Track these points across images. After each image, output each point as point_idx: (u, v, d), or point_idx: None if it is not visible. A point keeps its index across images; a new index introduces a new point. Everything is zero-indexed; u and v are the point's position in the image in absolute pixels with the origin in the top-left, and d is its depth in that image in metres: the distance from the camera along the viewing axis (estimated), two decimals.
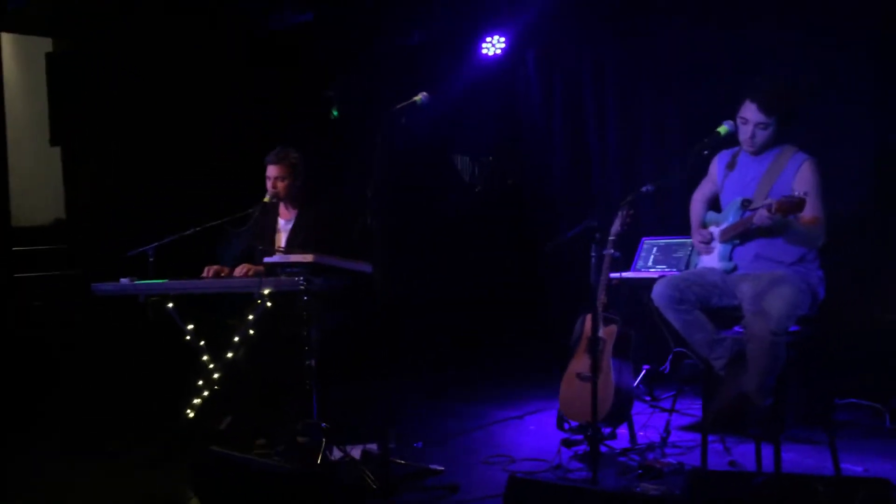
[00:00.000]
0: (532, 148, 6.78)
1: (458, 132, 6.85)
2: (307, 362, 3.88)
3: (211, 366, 4.32)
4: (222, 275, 4.36)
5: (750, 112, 3.63)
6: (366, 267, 3.81)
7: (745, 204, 3.67)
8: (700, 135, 3.79)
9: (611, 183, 6.22)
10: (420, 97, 3.66)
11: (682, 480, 2.97)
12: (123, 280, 4.20)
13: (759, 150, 3.71)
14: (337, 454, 3.83)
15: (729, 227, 3.71)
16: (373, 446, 4.03)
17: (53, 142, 6.06)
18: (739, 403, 3.45)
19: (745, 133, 3.68)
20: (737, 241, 3.70)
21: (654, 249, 5.26)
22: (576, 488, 2.90)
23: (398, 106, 3.61)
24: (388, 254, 3.61)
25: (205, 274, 4.36)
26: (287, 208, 4.58)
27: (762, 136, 3.65)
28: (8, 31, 6.10)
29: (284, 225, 4.58)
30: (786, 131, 3.69)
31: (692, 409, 4.93)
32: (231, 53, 5.89)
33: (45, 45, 6.18)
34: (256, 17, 5.85)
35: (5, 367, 5.08)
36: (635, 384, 4.93)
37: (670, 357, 5.39)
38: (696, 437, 4.30)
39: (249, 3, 5.82)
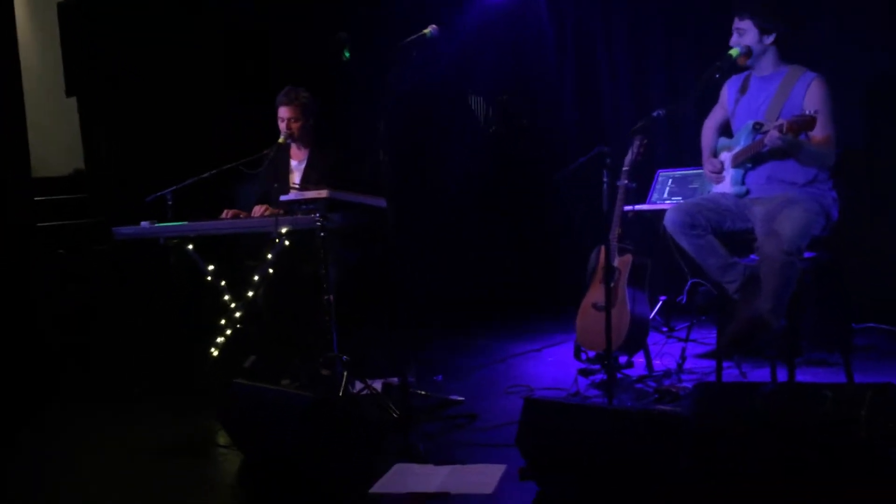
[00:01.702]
0: (544, 86, 6.74)
1: (471, 73, 6.81)
2: (326, 298, 3.93)
3: (233, 305, 4.41)
4: (242, 216, 4.41)
5: (746, 25, 3.65)
6: (380, 201, 3.84)
7: (757, 127, 3.67)
8: (711, 62, 3.78)
9: (622, 115, 6.18)
10: (429, 30, 3.65)
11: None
12: (143, 223, 4.27)
13: (764, 69, 3.71)
14: (358, 386, 3.91)
15: (740, 151, 3.72)
16: (393, 379, 4.11)
17: (69, 92, 6.10)
18: (754, 326, 3.48)
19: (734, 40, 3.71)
20: (749, 165, 3.70)
21: (670, 181, 5.26)
22: (591, 406, 2.96)
23: (408, 39, 3.61)
24: (402, 190, 3.65)
25: (223, 216, 4.42)
26: (299, 148, 4.62)
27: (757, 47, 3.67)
28: None
29: (297, 165, 4.62)
30: (791, 53, 3.69)
31: (708, 338, 4.97)
32: None
33: None
34: None
35: (31, 314, 5.19)
36: (652, 315, 4.96)
37: (686, 287, 5.40)
38: (712, 364, 4.35)
39: None
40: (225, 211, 4.49)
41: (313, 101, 4.56)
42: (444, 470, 3.03)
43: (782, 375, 3.65)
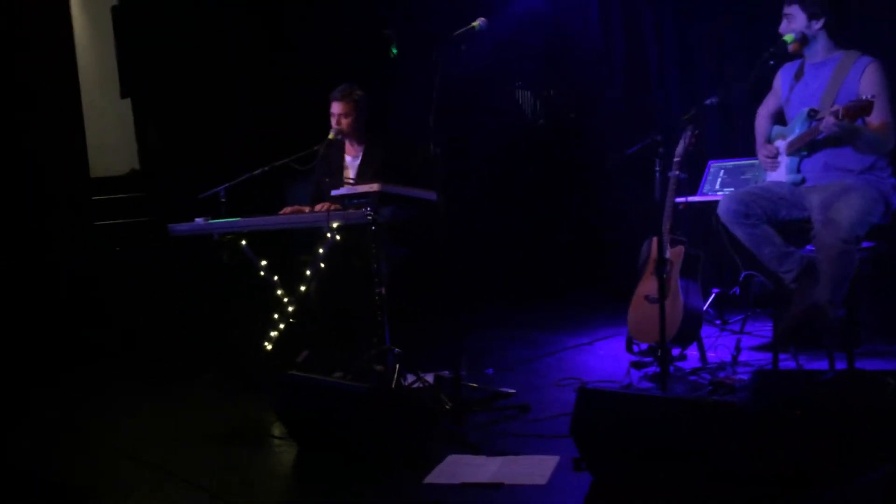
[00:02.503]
0: (592, 80, 6.69)
1: (519, 67, 6.80)
2: (377, 291, 3.96)
3: (286, 300, 4.47)
4: (304, 211, 4.46)
5: (794, 10, 3.61)
6: (430, 195, 3.86)
7: (812, 114, 3.61)
8: (761, 50, 3.73)
9: (672, 107, 6.10)
10: (478, 23, 3.66)
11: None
12: (198, 220, 4.34)
13: (816, 55, 3.66)
14: (411, 379, 3.93)
15: (796, 139, 3.66)
16: (445, 372, 4.12)
17: (124, 94, 6.23)
18: (811, 315, 3.43)
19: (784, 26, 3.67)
20: (804, 153, 3.65)
21: (722, 172, 5.19)
22: (647, 395, 2.94)
23: (456, 32, 3.62)
24: (452, 183, 3.66)
25: (283, 213, 4.48)
26: (352, 145, 4.66)
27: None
28: None
29: (351, 161, 4.66)
30: (843, 37, 3.62)
31: (763, 330, 4.90)
32: None
33: None
34: None
35: (91, 312, 5.32)
36: (705, 308, 4.91)
37: (740, 280, 5.33)
38: (767, 357, 4.28)
39: None
40: (286, 208, 4.55)
41: (366, 98, 4.59)
42: (498, 461, 3.04)
43: (841, 367, 3.58)
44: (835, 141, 3.50)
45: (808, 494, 1.95)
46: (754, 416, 2.26)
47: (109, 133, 6.58)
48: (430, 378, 4.06)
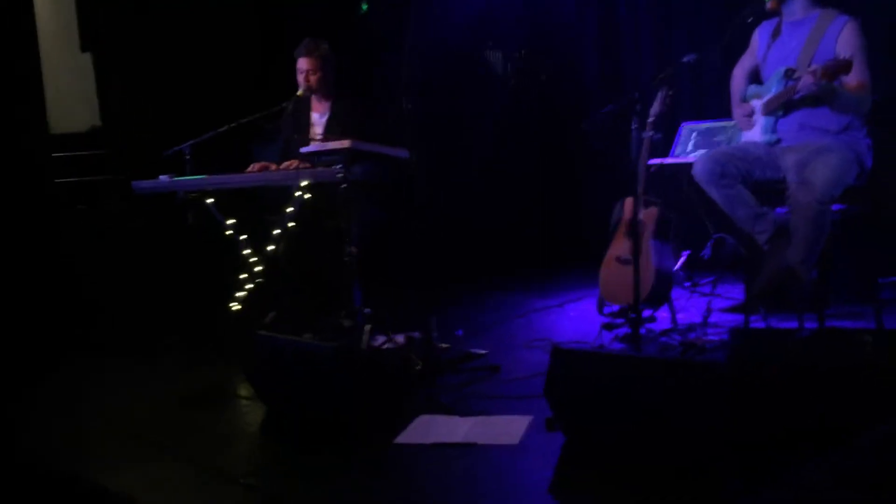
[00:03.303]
0: (564, 40, 6.62)
1: (490, 27, 6.70)
2: (348, 251, 3.89)
3: (253, 260, 4.38)
4: (271, 169, 4.36)
5: None
6: (402, 152, 3.78)
7: (789, 73, 3.58)
8: (738, 7, 3.69)
9: (645, 67, 6.06)
10: None
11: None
12: (162, 177, 4.23)
13: (794, 14, 3.62)
14: (381, 340, 3.88)
15: (772, 98, 3.63)
16: (415, 333, 4.08)
17: (84, 48, 6.04)
18: (784, 277, 3.42)
19: None
20: (780, 113, 3.62)
21: (694, 134, 5.16)
22: (621, 356, 2.92)
23: None
24: (425, 141, 3.59)
25: (250, 170, 4.37)
26: (319, 101, 4.55)
27: None
28: None
29: (318, 118, 4.55)
30: None
31: (732, 292, 4.91)
32: None
33: None
34: None
35: (53, 272, 5.18)
36: (675, 269, 4.90)
37: (710, 242, 5.33)
38: (737, 318, 4.27)
39: None
40: (253, 165, 4.44)
41: (332, 54, 4.48)
42: (469, 421, 3.01)
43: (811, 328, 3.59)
44: (812, 101, 3.48)
45: (792, 455, 1.94)
46: (731, 375, 2.24)
47: (69, 88, 6.38)
48: (400, 339, 4.02)
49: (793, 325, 3.74)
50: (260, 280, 4.37)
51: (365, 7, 5.67)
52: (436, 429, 2.96)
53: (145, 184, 4.26)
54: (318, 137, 4.40)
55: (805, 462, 1.93)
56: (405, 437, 2.91)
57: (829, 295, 3.97)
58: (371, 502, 2.54)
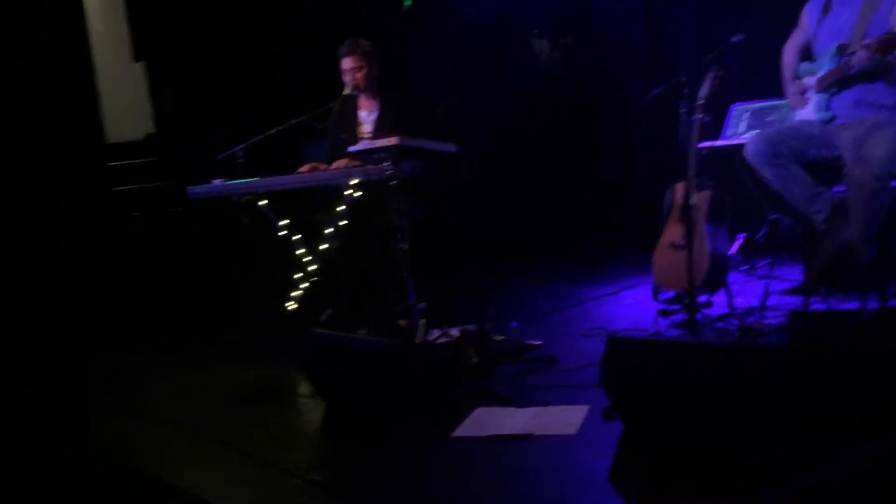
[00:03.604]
0: (609, 25, 6.56)
1: (535, 15, 6.67)
2: (399, 247, 3.92)
3: (307, 259, 4.43)
4: (321, 169, 4.40)
5: None
6: (450, 147, 3.79)
7: (841, 49, 3.50)
8: None
9: (692, 47, 5.96)
10: None
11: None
12: (215, 181, 4.30)
13: None
14: (435, 334, 3.90)
15: (825, 75, 3.55)
16: (471, 326, 4.09)
17: (137, 57, 6.17)
18: (843, 255, 3.35)
19: None
20: (834, 89, 3.54)
21: (746, 115, 5.08)
22: (678, 342, 2.90)
23: None
24: (471, 136, 3.58)
25: (301, 171, 4.42)
26: (367, 99, 4.57)
27: None
28: None
29: (366, 116, 4.58)
30: None
31: (791, 275, 4.81)
32: None
33: None
34: None
35: (113, 275, 5.32)
36: (731, 253, 4.83)
37: (766, 225, 5.24)
38: (796, 300, 4.20)
39: None
40: (304, 166, 4.49)
41: (375, 49, 4.50)
42: (527, 412, 3.01)
43: (873, 307, 3.51)
44: (867, 76, 3.40)
45: (853, 440, 1.91)
46: (790, 358, 2.21)
47: (123, 98, 6.52)
48: (455, 332, 4.03)
49: (854, 305, 3.68)
50: (314, 279, 4.42)
51: (408, 2, 5.69)
52: (493, 421, 2.97)
53: (199, 189, 4.35)
54: (367, 135, 4.43)
55: (848, 446, 1.89)
56: (463, 430, 2.93)
57: (890, 273, 3.88)
58: (432, 497, 2.55)
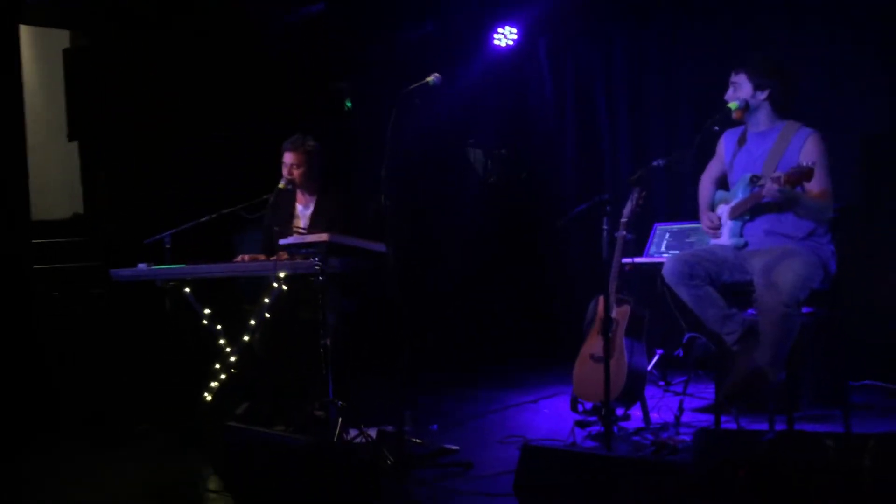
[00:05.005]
0: (544, 139, 6.82)
1: (472, 125, 6.89)
2: (322, 343, 3.91)
3: (228, 350, 4.38)
4: (259, 259, 4.41)
5: (741, 79, 3.71)
6: (380, 246, 3.85)
7: (754, 180, 3.71)
8: (709, 113, 3.85)
9: (620, 167, 6.24)
10: (432, 78, 3.71)
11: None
12: (141, 265, 4.26)
13: (759, 125, 3.77)
14: (353, 433, 3.86)
15: (738, 204, 3.74)
16: (388, 427, 4.06)
17: (71, 137, 6.14)
18: (753, 378, 3.47)
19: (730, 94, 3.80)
20: (746, 217, 3.73)
21: (667, 235, 5.28)
22: (590, 454, 2.93)
23: (411, 86, 3.66)
24: (403, 236, 3.64)
25: (238, 260, 4.42)
26: (304, 194, 4.63)
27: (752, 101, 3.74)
28: (26, 23, 6.14)
29: (302, 210, 4.63)
30: (786, 109, 3.75)
31: (705, 392, 4.94)
32: (246, 46, 5.94)
33: (62, 38, 6.26)
34: (270, 9, 5.90)
35: (27, 356, 5.14)
36: (649, 368, 4.94)
37: (684, 342, 5.39)
38: (709, 418, 4.32)
39: None
40: (241, 256, 4.50)
41: (319, 150, 4.58)
42: None
43: (781, 429, 3.62)
44: (776, 207, 3.59)
45: None
46: (697, 475, 2.26)
47: (53, 176, 6.45)
48: (372, 433, 4.00)
49: (764, 426, 3.78)
50: (234, 370, 4.36)
51: (349, 104, 5.82)
52: None
53: (123, 272, 4.30)
54: (302, 230, 4.47)
55: None
56: None
57: (799, 397, 4.02)
58: None
